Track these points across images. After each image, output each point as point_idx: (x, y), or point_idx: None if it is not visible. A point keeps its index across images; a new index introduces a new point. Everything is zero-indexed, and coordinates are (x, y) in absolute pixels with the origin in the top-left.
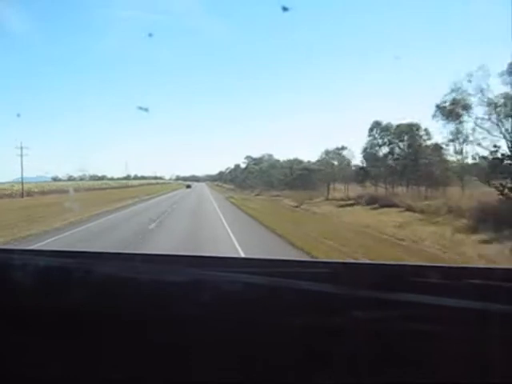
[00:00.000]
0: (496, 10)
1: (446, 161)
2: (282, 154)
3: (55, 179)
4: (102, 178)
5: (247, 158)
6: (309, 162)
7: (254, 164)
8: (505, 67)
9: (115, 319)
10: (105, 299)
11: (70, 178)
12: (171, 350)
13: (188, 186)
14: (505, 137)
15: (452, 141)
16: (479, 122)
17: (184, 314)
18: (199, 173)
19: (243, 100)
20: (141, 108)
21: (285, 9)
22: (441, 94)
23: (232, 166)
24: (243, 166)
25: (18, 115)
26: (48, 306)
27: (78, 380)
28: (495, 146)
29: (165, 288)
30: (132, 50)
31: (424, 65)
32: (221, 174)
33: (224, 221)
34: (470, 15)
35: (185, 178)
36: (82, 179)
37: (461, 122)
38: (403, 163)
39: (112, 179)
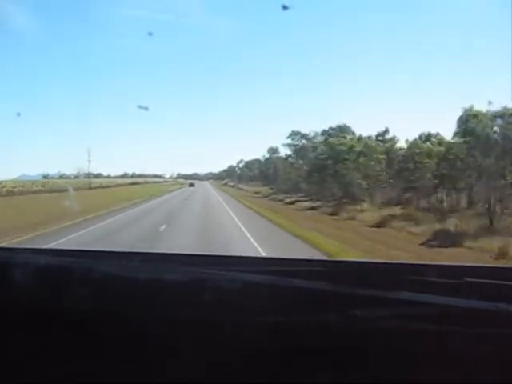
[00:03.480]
0: None
1: None
2: None
3: (46, 177)
4: (98, 176)
5: (294, 135)
6: None
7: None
8: None
9: (115, 318)
10: (105, 298)
11: (63, 176)
12: (171, 348)
13: (191, 185)
14: None
15: None
16: None
17: (183, 311)
18: (201, 170)
19: (246, 94)
20: (141, 107)
21: (285, 7)
22: None
23: (246, 159)
24: (284, 150)
25: (18, 114)
26: (48, 305)
27: (78, 378)
28: None
29: (164, 287)
30: (134, 49)
31: None
32: (230, 169)
33: None
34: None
35: (186, 176)
36: (76, 177)
37: None
38: None
39: (109, 177)
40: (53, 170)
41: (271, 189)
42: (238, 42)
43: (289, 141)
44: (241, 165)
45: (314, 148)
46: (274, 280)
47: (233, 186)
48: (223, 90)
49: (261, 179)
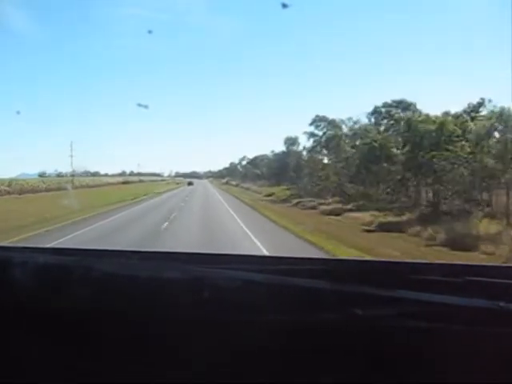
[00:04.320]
0: None
1: None
2: None
3: (42, 175)
4: (95, 174)
5: (318, 121)
6: None
7: None
8: None
9: (115, 317)
10: (104, 296)
11: (60, 175)
12: (171, 348)
13: (190, 184)
14: None
15: None
16: None
17: (183, 310)
18: (200, 169)
19: (247, 93)
20: (140, 105)
21: (284, 6)
22: None
23: (249, 156)
24: (306, 141)
25: (18, 112)
26: (48, 304)
27: (78, 377)
28: None
29: (164, 285)
30: (134, 49)
31: None
32: (231, 167)
33: None
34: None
35: (185, 175)
36: (72, 175)
37: None
38: None
39: (106, 175)
40: (51, 169)
41: (288, 189)
42: (239, 41)
43: (311, 129)
44: (244, 162)
45: (352, 136)
46: (274, 279)
47: (236, 186)
48: (223, 88)
49: (270, 177)
